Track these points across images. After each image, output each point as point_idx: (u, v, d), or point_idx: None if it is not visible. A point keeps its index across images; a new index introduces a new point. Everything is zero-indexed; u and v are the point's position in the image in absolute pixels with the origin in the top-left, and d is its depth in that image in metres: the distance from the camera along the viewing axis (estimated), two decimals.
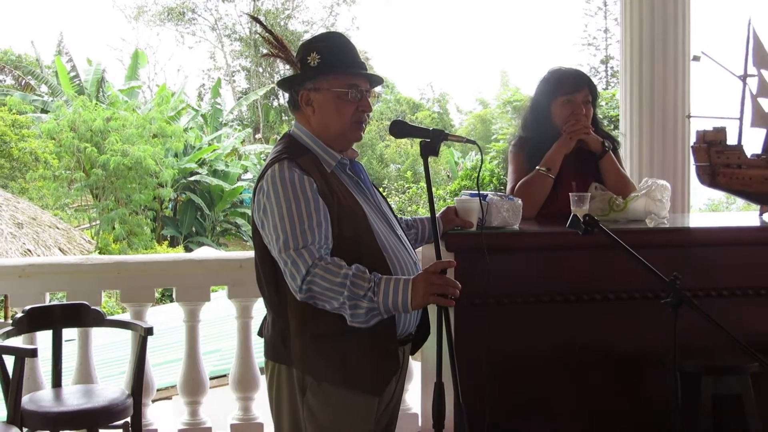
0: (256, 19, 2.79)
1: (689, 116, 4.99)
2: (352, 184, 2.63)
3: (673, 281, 2.53)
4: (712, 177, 3.68)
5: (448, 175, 25.84)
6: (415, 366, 4.04)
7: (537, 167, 3.62)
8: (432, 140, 2.54)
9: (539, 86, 3.80)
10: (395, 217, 2.76)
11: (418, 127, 2.60)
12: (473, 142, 2.70)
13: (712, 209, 21.21)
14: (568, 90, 3.68)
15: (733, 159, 3.65)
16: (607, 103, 14.65)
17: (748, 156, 3.69)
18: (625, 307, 3.18)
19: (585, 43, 32.29)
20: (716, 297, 3.22)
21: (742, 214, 5.13)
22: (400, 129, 2.61)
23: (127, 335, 4.25)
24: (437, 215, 3.02)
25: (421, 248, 3.26)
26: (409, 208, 22.49)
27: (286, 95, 2.71)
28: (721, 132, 3.69)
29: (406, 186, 25.27)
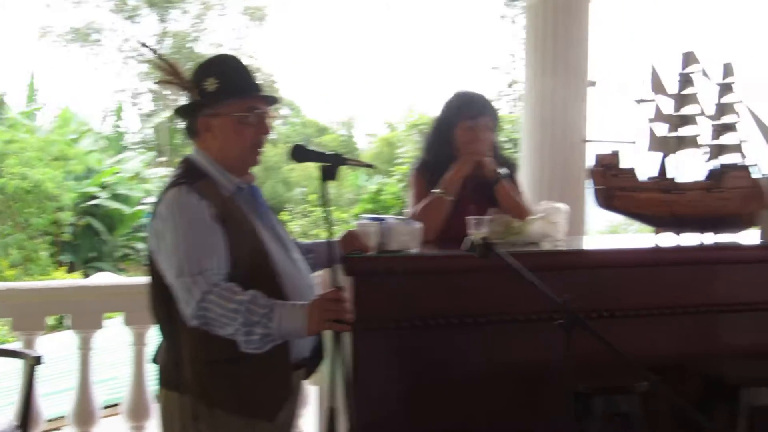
0: (147, 46, 2.75)
1: (585, 141, 5.12)
2: (249, 208, 2.60)
3: (565, 303, 2.56)
4: (608, 200, 3.75)
5: (352, 199, 25.79)
6: (312, 391, 3.99)
7: (433, 190, 3.63)
8: (332, 164, 2.55)
9: (443, 109, 3.82)
10: (292, 241, 2.75)
11: (317, 152, 2.61)
12: (370, 166, 2.74)
13: (611, 231, 21.75)
14: (472, 115, 3.70)
15: (627, 182, 3.74)
16: (512, 126, 14.91)
17: (646, 179, 3.78)
18: (523, 329, 3.20)
19: (492, 67, 32.70)
20: (610, 318, 3.28)
21: (638, 236, 5.26)
22: (300, 154, 2.61)
23: (18, 364, 4.09)
24: (337, 239, 3.01)
25: (321, 272, 3.23)
26: (312, 232, 22.34)
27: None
28: (615, 155, 3.77)
29: (309, 210, 25.11)
